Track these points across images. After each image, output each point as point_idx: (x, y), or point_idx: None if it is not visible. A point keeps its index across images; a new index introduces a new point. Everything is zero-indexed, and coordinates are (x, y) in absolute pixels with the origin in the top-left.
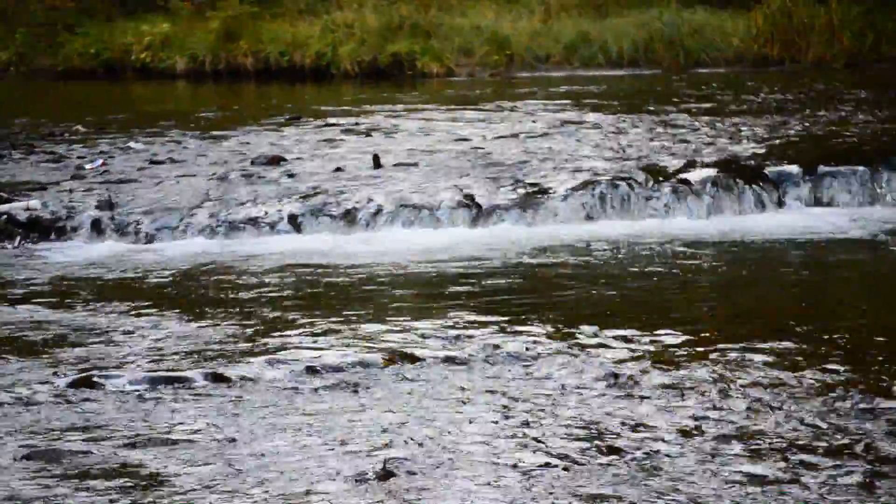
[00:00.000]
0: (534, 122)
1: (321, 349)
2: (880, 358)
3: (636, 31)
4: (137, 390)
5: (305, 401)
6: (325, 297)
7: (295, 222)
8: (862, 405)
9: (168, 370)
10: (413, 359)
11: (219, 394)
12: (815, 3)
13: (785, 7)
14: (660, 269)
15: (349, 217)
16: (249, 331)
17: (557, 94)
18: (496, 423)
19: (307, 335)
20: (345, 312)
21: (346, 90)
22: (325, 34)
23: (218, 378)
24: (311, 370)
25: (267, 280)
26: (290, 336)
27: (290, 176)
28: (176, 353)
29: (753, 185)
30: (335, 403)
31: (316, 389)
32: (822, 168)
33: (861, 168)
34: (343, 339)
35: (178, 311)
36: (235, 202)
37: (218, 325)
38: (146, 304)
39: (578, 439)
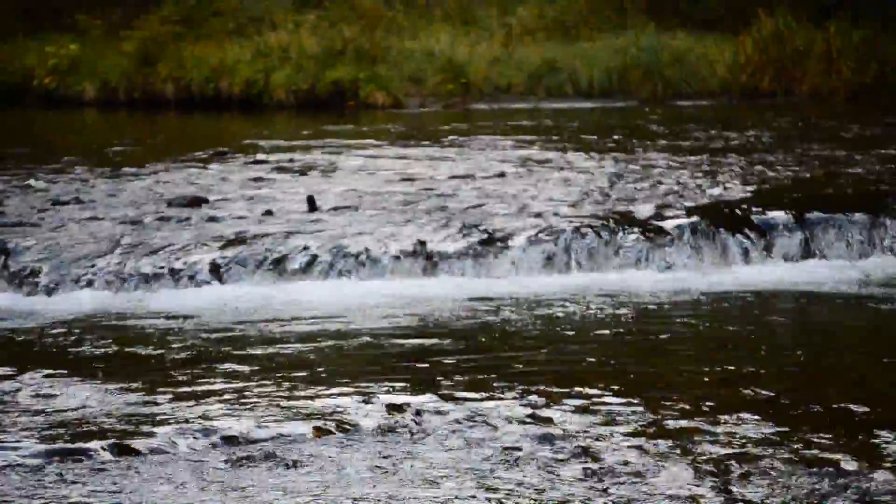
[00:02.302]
0: (491, 160)
1: (243, 417)
2: (879, 432)
3: (609, 57)
4: (30, 465)
5: (221, 476)
6: (250, 357)
7: (217, 272)
8: (856, 485)
9: (66, 441)
10: (347, 429)
11: (123, 467)
12: (811, 28)
13: (777, 32)
14: (631, 327)
15: (279, 267)
16: (162, 396)
17: (519, 128)
18: (440, 502)
19: (227, 401)
20: (271, 375)
21: (279, 122)
22: (256, 59)
23: (123, 450)
24: (230, 441)
25: (184, 338)
26: (207, 402)
27: (213, 220)
28: (76, 422)
29: (737, 234)
30: (255, 480)
31: (234, 463)
32: (815, 215)
33: (859, 215)
34: (269, 406)
35: (79, 373)
36: (149, 249)
37: (126, 389)
38: (42, 364)
39: None
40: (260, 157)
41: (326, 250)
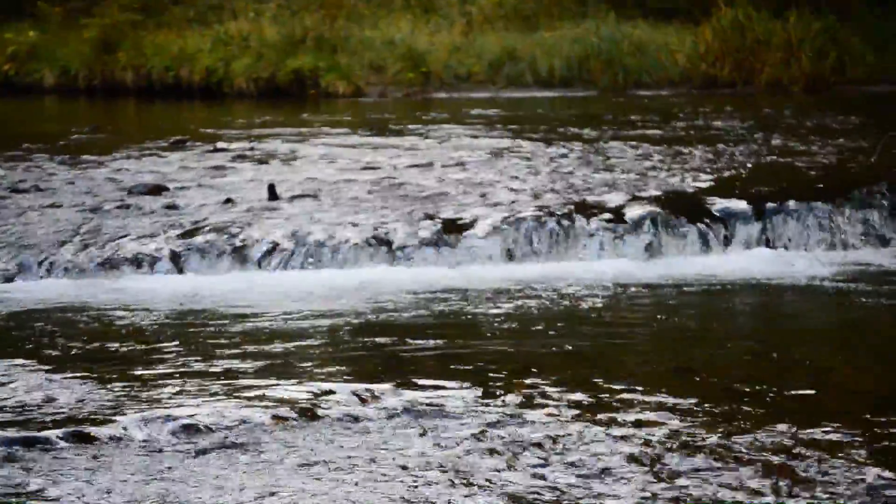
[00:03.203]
0: (452, 149)
1: (202, 406)
2: (836, 424)
3: (569, 46)
4: None
5: (179, 464)
6: (210, 346)
7: (177, 261)
8: (819, 477)
9: (23, 429)
10: (307, 417)
11: (81, 456)
12: (771, 18)
13: (737, 22)
14: (592, 317)
15: (239, 255)
16: (120, 384)
17: (479, 117)
18: (397, 492)
19: (186, 390)
20: (232, 364)
21: (239, 111)
22: (216, 47)
23: (81, 438)
24: (190, 429)
25: (143, 326)
26: (167, 390)
27: (173, 208)
28: (33, 410)
29: (698, 224)
30: (212, 468)
31: (193, 451)
32: (775, 205)
33: (819, 205)
34: (228, 394)
35: (37, 360)
36: (109, 237)
37: (84, 377)
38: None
39: None
40: (220, 145)
41: (287, 239)
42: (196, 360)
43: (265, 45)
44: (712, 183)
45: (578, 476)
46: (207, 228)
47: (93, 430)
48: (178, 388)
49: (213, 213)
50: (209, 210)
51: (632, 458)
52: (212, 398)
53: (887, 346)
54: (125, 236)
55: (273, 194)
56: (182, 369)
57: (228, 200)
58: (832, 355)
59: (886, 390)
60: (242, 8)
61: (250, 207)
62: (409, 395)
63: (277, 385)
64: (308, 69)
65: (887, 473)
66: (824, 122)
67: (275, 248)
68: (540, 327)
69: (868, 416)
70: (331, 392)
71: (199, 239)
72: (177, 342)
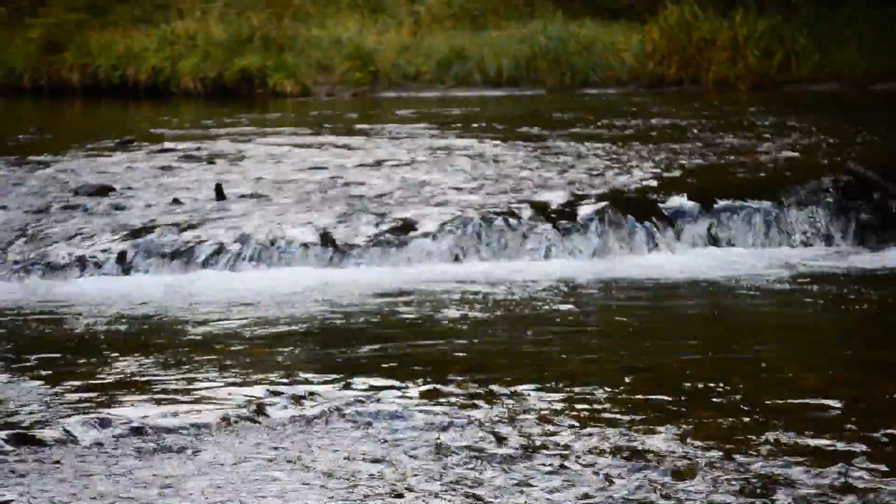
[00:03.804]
0: (400, 148)
1: (149, 407)
2: (782, 420)
3: (517, 46)
4: None
5: (127, 466)
6: (157, 346)
7: (123, 261)
8: (764, 471)
9: None
10: (255, 419)
11: (25, 459)
12: (717, 17)
13: (683, 21)
14: (539, 316)
15: (186, 256)
16: (66, 386)
17: (427, 116)
18: (342, 493)
19: (134, 391)
20: (179, 365)
21: (186, 110)
22: (163, 46)
23: (25, 440)
24: (137, 431)
25: (89, 327)
26: (113, 392)
27: (120, 208)
28: None
29: (645, 222)
30: (159, 469)
31: (141, 453)
32: (722, 203)
33: (766, 203)
34: (176, 395)
35: None
36: (55, 238)
37: (29, 378)
38: None
39: None
40: (167, 145)
41: (234, 239)
42: (143, 362)
43: (212, 44)
44: (660, 181)
45: (526, 476)
46: (154, 229)
47: (37, 433)
48: (124, 390)
49: (160, 213)
50: (156, 210)
51: (580, 458)
52: (159, 399)
53: (832, 344)
54: (71, 237)
55: (220, 194)
56: (129, 371)
57: (175, 201)
58: (778, 353)
59: (831, 387)
60: (189, 7)
61: (197, 207)
62: (356, 395)
63: (225, 386)
64: (255, 68)
65: (832, 468)
66: (771, 120)
67: (222, 248)
68: (487, 327)
69: (813, 412)
70: (278, 393)
71: (145, 239)
72: (123, 343)
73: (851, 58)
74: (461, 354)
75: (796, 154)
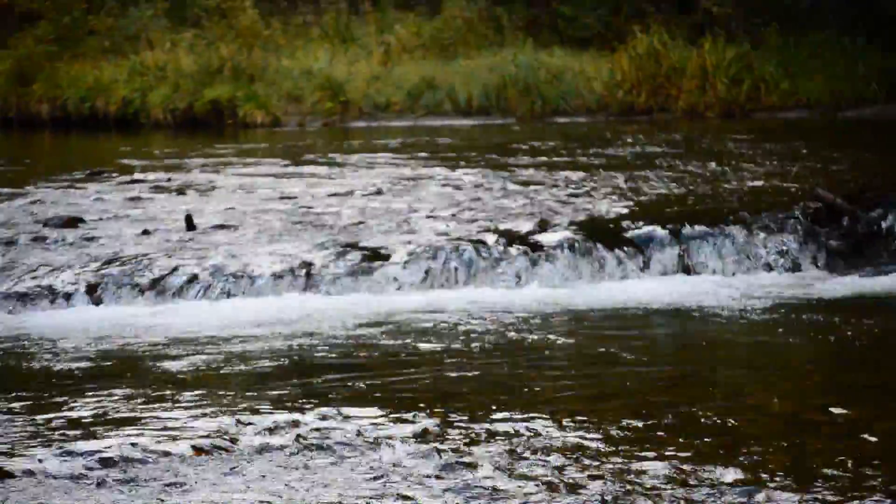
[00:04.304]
0: (371, 178)
1: (120, 438)
2: (750, 445)
3: (487, 75)
4: None
5: (97, 498)
6: (127, 377)
7: (94, 293)
8: (735, 496)
9: None
10: (226, 448)
11: None
12: (686, 46)
13: (652, 50)
14: (509, 343)
15: (157, 287)
16: (36, 417)
17: (398, 146)
18: None
19: (104, 422)
20: (150, 395)
21: (156, 141)
22: (132, 78)
23: None
24: (106, 462)
25: (60, 359)
26: (83, 423)
27: (90, 240)
28: None
29: (615, 250)
30: (130, 500)
31: (110, 484)
32: (691, 230)
33: (735, 230)
34: (147, 426)
35: None
36: (24, 270)
37: (0, 410)
38: None
39: None
40: (137, 176)
41: (204, 269)
42: (113, 393)
43: (182, 75)
44: (629, 209)
45: (500, 498)
46: (124, 260)
47: (7, 464)
48: (96, 421)
49: (130, 244)
50: (126, 241)
51: (550, 485)
52: (131, 430)
53: (801, 370)
54: (41, 269)
55: (190, 225)
56: (100, 401)
57: (145, 231)
58: (748, 379)
59: (801, 412)
60: (158, 38)
61: (168, 238)
62: (327, 424)
63: (197, 416)
64: (225, 99)
65: (803, 492)
66: (740, 147)
67: (193, 278)
68: (458, 355)
69: (780, 437)
70: (250, 423)
71: (115, 271)
72: (93, 375)
73: (819, 86)
74: (431, 382)
75: (765, 181)
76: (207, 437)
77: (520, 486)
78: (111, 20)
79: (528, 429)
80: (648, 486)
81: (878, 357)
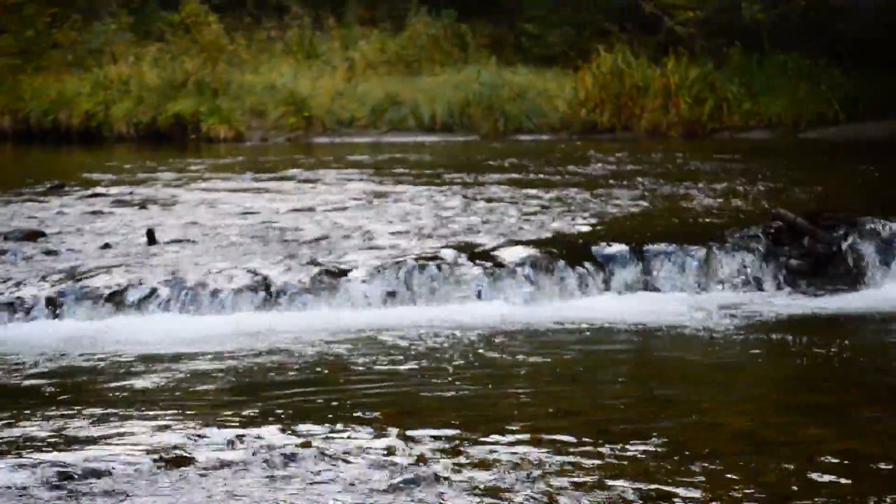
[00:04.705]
0: (334, 193)
1: (79, 452)
2: (715, 464)
3: (451, 92)
4: None
5: None
6: (87, 391)
7: (53, 306)
8: None
9: None
10: (185, 463)
11: None
12: (649, 65)
13: (616, 69)
14: (471, 360)
15: (117, 300)
16: None
17: (361, 162)
18: None
19: (63, 435)
20: (109, 409)
21: (119, 155)
22: (96, 91)
23: None
24: (65, 476)
25: (19, 372)
26: (42, 437)
27: (50, 253)
28: None
29: (577, 267)
30: None
31: (68, 497)
32: (653, 248)
33: (696, 248)
34: (105, 439)
35: None
36: None
37: None
38: None
39: None
40: (99, 190)
41: (165, 284)
42: (72, 406)
43: (145, 88)
44: (591, 227)
45: None
46: (85, 274)
47: None
48: (54, 434)
49: (92, 258)
50: (87, 255)
51: (513, 500)
52: (89, 444)
53: (761, 388)
54: (1, 282)
55: (152, 239)
56: (58, 415)
57: (107, 245)
58: (708, 396)
59: (760, 430)
60: (122, 52)
61: (129, 252)
62: (285, 439)
63: (155, 430)
64: (189, 113)
65: None
66: (702, 166)
67: (153, 293)
68: (418, 371)
69: (739, 455)
70: (207, 437)
71: (76, 284)
72: (53, 388)
73: (781, 106)
74: (391, 398)
75: (727, 200)
76: (166, 450)
77: (476, 502)
78: (75, 34)
79: (487, 446)
80: (605, 502)
81: (836, 376)
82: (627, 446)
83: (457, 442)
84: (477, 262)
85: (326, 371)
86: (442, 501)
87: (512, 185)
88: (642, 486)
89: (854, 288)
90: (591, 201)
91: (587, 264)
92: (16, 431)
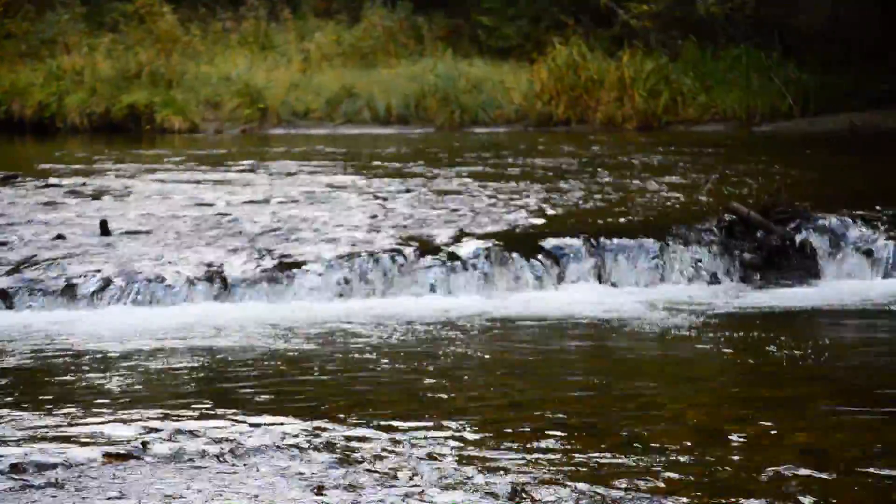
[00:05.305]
0: (288, 185)
1: (30, 444)
2: (662, 456)
3: (406, 84)
4: None
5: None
6: (39, 383)
7: (5, 297)
8: None
9: None
10: (137, 455)
11: None
12: (604, 58)
13: (571, 61)
14: (424, 352)
15: (70, 292)
16: None
17: (316, 154)
18: None
19: (14, 428)
20: (61, 402)
21: (73, 145)
22: (49, 81)
23: None
24: (16, 468)
25: None
26: None
27: (2, 244)
28: None
29: (531, 260)
30: None
31: (20, 490)
32: (607, 241)
33: (650, 242)
34: (57, 432)
35: None
36: None
37: None
38: None
39: None
40: (52, 180)
41: (119, 275)
42: (25, 398)
43: (99, 79)
44: (546, 220)
45: None
46: (37, 265)
47: None
48: (5, 427)
49: (44, 249)
50: (39, 246)
51: (465, 493)
52: (40, 436)
53: (715, 381)
54: None
55: (105, 230)
56: (10, 407)
57: (59, 236)
58: (662, 390)
59: (714, 424)
60: (76, 42)
61: (82, 243)
62: (238, 431)
63: (107, 423)
64: (143, 104)
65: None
66: (657, 159)
67: (107, 284)
68: (371, 363)
69: (693, 448)
70: (160, 430)
71: (28, 275)
72: (4, 379)
73: (735, 99)
74: (344, 390)
75: (681, 194)
76: (118, 443)
77: (432, 496)
78: (27, 24)
79: (438, 439)
80: (559, 495)
81: (791, 369)
82: (582, 440)
83: (409, 434)
84: (431, 254)
85: (279, 363)
86: (392, 495)
87: (467, 178)
88: (598, 479)
89: (807, 281)
90: (546, 194)
91: (541, 257)
92: None
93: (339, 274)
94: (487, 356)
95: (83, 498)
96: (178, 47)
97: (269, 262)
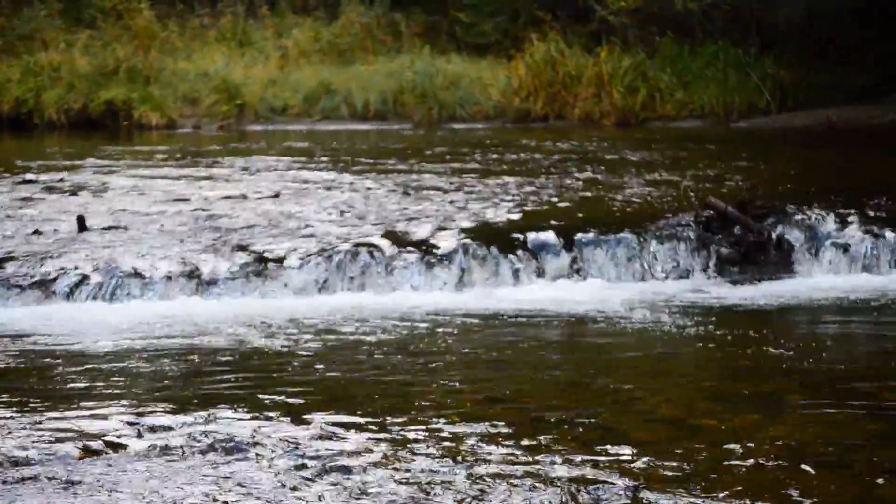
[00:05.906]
0: (266, 181)
1: (8, 438)
2: (641, 450)
3: (384, 80)
4: None
5: None
6: (16, 379)
7: None
8: (621, 501)
9: None
10: (115, 450)
11: None
12: (582, 54)
13: (549, 57)
14: (402, 347)
15: (46, 287)
16: None
17: (294, 150)
18: None
19: None
20: (38, 396)
21: (50, 142)
22: (26, 77)
23: None
24: None
25: None
26: None
27: None
28: None
29: (509, 255)
30: (19, 501)
31: None
32: (584, 236)
33: (628, 237)
34: (35, 427)
35: None
36: None
37: None
38: None
39: None
40: (29, 176)
41: (96, 271)
42: (2, 394)
43: (77, 75)
44: (524, 215)
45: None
46: (14, 260)
47: None
48: None
49: (21, 244)
50: (16, 241)
51: (436, 486)
52: (18, 430)
53: (691, 376)
54: None
55: (82, 226)
56: None
57: (37, 232)
58: (638, 384)
59: (689, 418)
60: (53, 38)
61: (58, 239)
62: (216, 426)
63: (85, 417)
64: (121, 100)
65: (692, 497)
66: (634, 155)
67: (84, 280)
68: (350, 358)
69: (669, 442)
70: (139, 425)
71: (5, 271)
72: None
73: (713, 96)
74: (323, 386)
75: (658, 189)
76: (97, 438)
77: (408, 490)
78: (3, 20)
79: (417, 432)
80: (535, 488)
81: (768, 364)
82: (559, 434)
83: (386, 429)
84: (409, 250)
85: (257, 359)
86: (369, 490)
87: (445, 174)
88: (575, 473)
89: (784, 276)
90: (524, 189)
91: (519, 252)
92: None
93: (317, 269)
94: (465, 351)
95: (58, 493)
96: (156, 43)
97: (247, 258)
